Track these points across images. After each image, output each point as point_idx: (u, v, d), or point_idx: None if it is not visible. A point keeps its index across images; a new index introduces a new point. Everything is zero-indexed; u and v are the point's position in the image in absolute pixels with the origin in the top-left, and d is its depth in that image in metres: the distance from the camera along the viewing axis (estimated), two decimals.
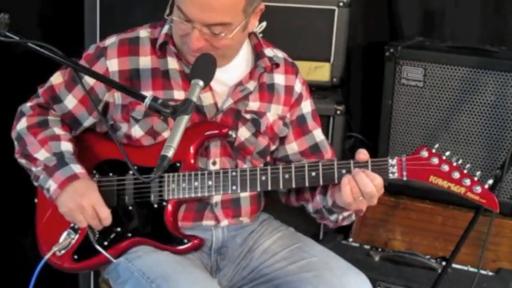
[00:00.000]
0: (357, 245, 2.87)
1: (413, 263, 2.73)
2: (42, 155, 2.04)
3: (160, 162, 1.70)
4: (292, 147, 2.19)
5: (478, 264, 2.48)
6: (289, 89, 2.17)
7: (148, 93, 1.91)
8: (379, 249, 2.82)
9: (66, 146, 2.06)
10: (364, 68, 3.32)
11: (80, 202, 1.96)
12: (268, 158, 2.22)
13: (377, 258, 2.77)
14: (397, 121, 2.88)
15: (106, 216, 1.99)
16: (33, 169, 2.06)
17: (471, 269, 2.68)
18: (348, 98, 3.22)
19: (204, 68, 1.87)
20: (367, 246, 2.86)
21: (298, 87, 2.19)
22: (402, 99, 2.86)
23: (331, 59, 2.68)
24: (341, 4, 2.62)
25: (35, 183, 2.07)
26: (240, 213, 2.17)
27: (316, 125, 2.23)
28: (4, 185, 2.93)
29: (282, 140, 2.20)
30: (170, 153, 1.70)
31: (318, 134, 2.22)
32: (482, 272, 2.63)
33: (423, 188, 2.81)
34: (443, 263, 2.65)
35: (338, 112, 2.65)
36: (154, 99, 1.79)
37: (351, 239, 2.89)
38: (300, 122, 2.20)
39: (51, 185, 1.99)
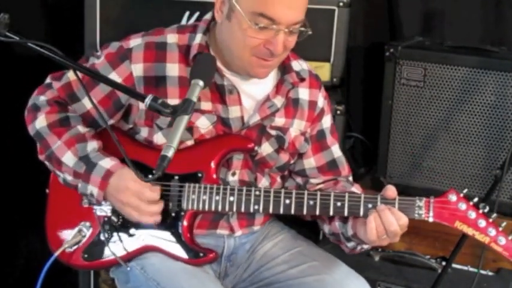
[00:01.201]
0: None
1: (413, 263, 2.73)
2: (69, 159, 1.98)
3: (160, 162, 1.68)
4: (310, 162, 2.18)
5: (478, 264, 2.48)
6: (312, 104, 2.15)
7: (175, 101, 1.88)
8: (379, 249, 2.81)
9: (92, 145, 2.01)
10: (364, 68, 3.32)
11: (120, 198, 1.93)
12: (286, 172, 2.20)
13: (377, 258, 2.77)
14: (397, 121, 2.88)
15: (150, 196, 1.92)
16: (60, 174, 2.03)
17: (471, 269, 2.68)
18: (348, 98, 3.22)
19: (204, 68, 1.86)
20: None
21: (321, 101, 2.18)
22: (402, 99, 2.86)
23: (331, 59, 2.68)
24: (341, 4, 2.62)
25: (72, 188, 2.02)
26: (253, 223, 2.17)
27: (334, 140, 2.21)
28: (6, 182, 2.93)
29: (300, 155, 2.18)
30: (170, 153, 1.69)
31: (336, 150, 2.20)
32: (482, 272, 2.63)
33: (423, 187, 2.83)
34: (443, 263, 2.65)
35: (338, 112, 2.65)
36: (155, 99, 1.77)
37: None
38: (319, 137, 2.18)
39: (93, 190, 1.96)
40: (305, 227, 2.30)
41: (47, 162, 2.06)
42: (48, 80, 2.12)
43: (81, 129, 2.03)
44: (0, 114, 2.73)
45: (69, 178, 2.00)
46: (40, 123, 2.04)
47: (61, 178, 2.04)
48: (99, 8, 2.60)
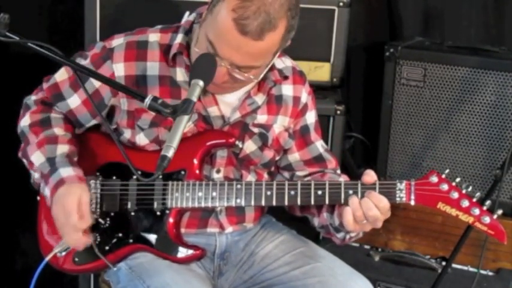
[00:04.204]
0: (357, 245, 2.87)
1: (413, 263, 2.73)
2: (37, 158, 2.00)
3: (160, 162, 1.68)
4: (295, 156, 2.17)
5: (478, 264, 2.48)
6: (296, 100, 2.14)
7: None
8: (379, 249, 2.82)
9: (62, 149, 2.01)
10: (364, 68, 3.32)
11: (53, 210, 1.93)
12: (273, 168, 2.20)
13: (377, 258, 2.78)
14: (397, 121, 2.88)
15: (76, 222, 1.88)
16: (32, 173, 2.05)
17: (471, 269, 2.68)
18: (348, 98, 3.22)
19: (204, 68, 1.85)
20: (367, 247, 2.86)
21: (304, 97, 2.17)
22: (402, 99, 2.86)
23: (331, 59, 2.68)
24: (341, 4, 2.62)
25: (37, 187, 2.05)
26: (244, 219, 2.16)
27: (318, 136, 2.21)
28: (4, 182, 2.93)
29: (285, 151, 2.17)
30: (170, 153, 1.68)
31: (319, 146, 2.20)
32: (482, 272, 2.64)
33: None
34: (443, 263, 2.65)
35: (338, 112, 2.65)
36: (155, 99, 1.77)
37: None
38: (303, 133, 2.17)
39: (48, 193, 1.97)
40: (303, 225, 2.30)
41: (24, 160, 2.07)
42: (43, 82, 2.15)
43: (57, 131, 2.05)
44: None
45: (37, 176, 2.02)
46: (24, 122, 2.08)
47: (32, 178, 2.06)
48: (99, 8, 2.60)
